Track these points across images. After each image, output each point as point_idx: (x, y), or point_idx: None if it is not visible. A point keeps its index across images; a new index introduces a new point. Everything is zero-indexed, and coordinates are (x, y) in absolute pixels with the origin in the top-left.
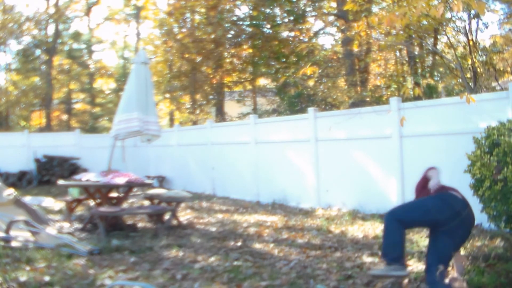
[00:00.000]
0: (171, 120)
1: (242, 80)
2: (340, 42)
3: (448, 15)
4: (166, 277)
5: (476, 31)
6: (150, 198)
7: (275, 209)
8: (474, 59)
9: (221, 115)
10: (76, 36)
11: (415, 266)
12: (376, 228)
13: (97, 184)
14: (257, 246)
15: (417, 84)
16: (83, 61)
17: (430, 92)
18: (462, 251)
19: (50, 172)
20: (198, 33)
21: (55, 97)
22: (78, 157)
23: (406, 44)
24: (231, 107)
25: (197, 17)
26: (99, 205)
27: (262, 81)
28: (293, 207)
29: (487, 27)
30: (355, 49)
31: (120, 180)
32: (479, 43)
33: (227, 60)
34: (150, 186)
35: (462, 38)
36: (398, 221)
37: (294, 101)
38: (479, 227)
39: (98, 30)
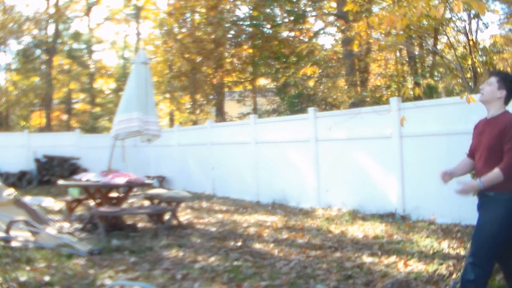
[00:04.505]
0: (171, 120)
1: (242, 80)
2: (340, 42)
3: (448, 15)
4: (166, 277)
5: (476, 31)
6: (150, 198)
7: (275, 209)
8: (474, 59)
9: (221, 115)
10: (76, 36)
11: (415, 266)
12: (376, 228)
13: (97, 184)
14: (257, 246)
15: (417, 84)
16: (83, 61)
17: (430, 92)
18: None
19: (50, 172)
20: (198, 33)
21: (55, 97)
22: (78, 157)
23: (406, 44)
24: (231, 107)
25: (197, 17)
26: (99, 205)
27: (262, 81)
28: (293, 207)
29: (487, 27)
30: (355, 49)
31: (120, 180)
32: (479, 43)
33: (227, 60)
34: (150, 186)
35: (462, 38)
36: None
37: (294, 101)
38: None
39: (98, 30)
